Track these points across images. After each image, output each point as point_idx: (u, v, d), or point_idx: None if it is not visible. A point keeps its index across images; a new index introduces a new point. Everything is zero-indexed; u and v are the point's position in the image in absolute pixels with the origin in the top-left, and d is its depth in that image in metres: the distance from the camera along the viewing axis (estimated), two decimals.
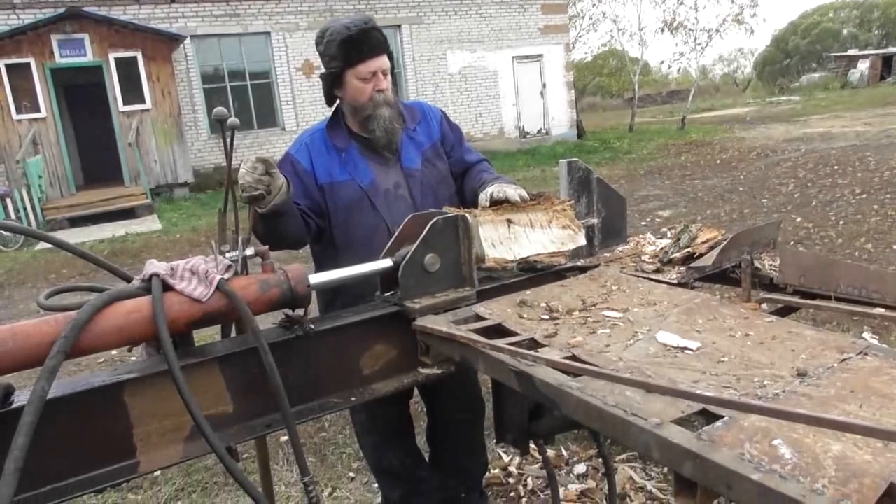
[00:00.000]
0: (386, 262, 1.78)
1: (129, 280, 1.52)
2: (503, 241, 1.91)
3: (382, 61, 2.25)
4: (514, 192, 2.01)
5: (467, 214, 1.84)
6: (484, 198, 2.06)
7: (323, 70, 2.30)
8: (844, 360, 1.35)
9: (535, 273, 1.98)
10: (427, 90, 18.47)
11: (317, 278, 1.65)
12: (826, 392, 1.22)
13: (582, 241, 2.05)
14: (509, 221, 1.95)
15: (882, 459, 1.00)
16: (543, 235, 1.99)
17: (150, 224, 12.58)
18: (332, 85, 2.27)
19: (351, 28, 2.16)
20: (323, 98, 2.39)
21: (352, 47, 2.17)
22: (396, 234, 1.83)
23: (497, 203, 2.00)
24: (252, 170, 1.84)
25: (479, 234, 1.85)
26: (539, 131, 20.65)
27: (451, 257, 1.79)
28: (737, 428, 1.09)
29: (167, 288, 1.43)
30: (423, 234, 1.73)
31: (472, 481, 2.79)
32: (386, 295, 1.80)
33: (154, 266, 1.46)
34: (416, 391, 2.75)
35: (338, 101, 2.35)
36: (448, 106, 18.78)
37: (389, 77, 2.30)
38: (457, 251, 1.80)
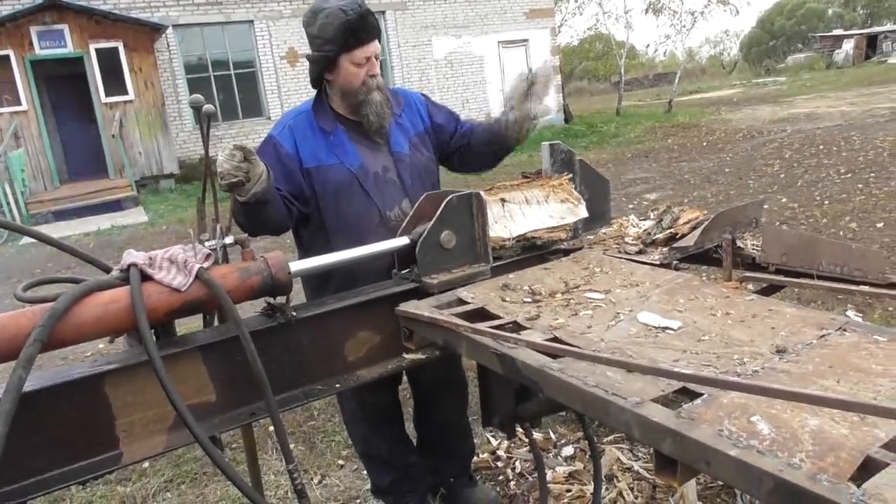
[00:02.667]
0: (403, 240, 1.82)
1: (107, 271, 1.51)
2: (498, 219, 1.93)
3: (376, 46, 2.24)
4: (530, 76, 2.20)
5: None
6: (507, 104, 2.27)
7: (311, 52, 2.24)
8: (823, 336, 1.36)
9: (537, 250, 2.00)
10: (413, 76, 18.37)
11: (297, 265, 1.64)
12: (804, 368, 1.23)
13: (584, 214, 2.07)
14: (503, 200, 1.97)
15: (858, 433, 1.01)
16: (541, 211, 2.00)
17: (135, 216, 12.49)
18: (324, 68, 2.23)
19: (348, 12, 2.12)
20: (309, 85, 2.36)
21: (349, 32, 2.14)
22: (412, 212, 1.88)
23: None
24: (230, 157, 1.82)
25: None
26: None
27: (466, 234, 1.84)
28: (716, 405, 1.10)
29: (146, 278, 1.42)
30: (439, 212, 1.78)
31: (460, 465, 2.81)
32: (403, 272, 1.85)
33: (132, 256, 1.45)
34: (405, 378, 2.75)
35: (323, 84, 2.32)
36: (434, 92, 18.69)
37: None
38: (471, 228, 1.84)
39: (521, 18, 20.20)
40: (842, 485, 0.86)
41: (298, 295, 2.25)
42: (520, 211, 1.97)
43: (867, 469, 0.94)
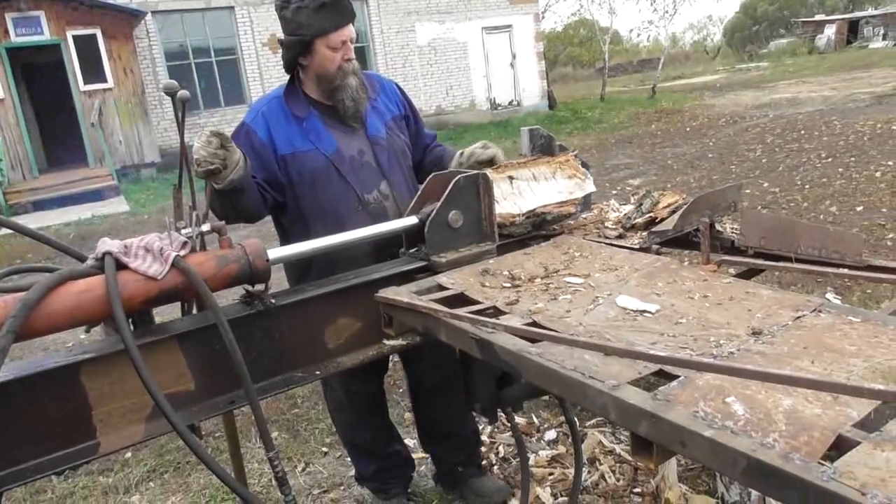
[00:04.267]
0: (411, 220, 1.86)
1: (82, 260, 1.49)
2: (507, 196, 1.97)
3: (351, 30, 2.21)
4: (493, 150, 2.14)
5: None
6: (463, 159, 2.20)
7: (284, 36, 2.22)
8: (798, 317, 1.37)
9: (546, 226, 2.03)
10: (396, 63, 18.26)
11: (276, 253, 1.63)
12: (780, 349, 1.24)
13: (591, 188, 2.11)
14: (511, 178, 2.00)
15: (831, 412, 1.02)
16: (549, 187, 2.03)
17: (116, 206, 12.36)
18: (299, 53, 2.20)
19: None
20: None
21: (325, 16, 2.11)
22: (419, 193, 1.91)
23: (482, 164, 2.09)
24: (207, 144, 1.80)
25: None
26: (510, 103, 20.57)
27: (473, 214, 1.87)
28: (692, 387, 1.11)
29: (121, 266, 1.40)
30: (447, 192, 1.81)
31: (466, 452, 2.76)
32: (411, 251, 1.88)
33: (107, 244, 1.43)
34: (390, 366, 2.74)
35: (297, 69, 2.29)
36: (418, 79, 18.61)
37: None
38: (478, 208, 1.88)
39: (505, 4, 20.11)
40: (814, 463, 0.88)
41: (283, 283, 2.25)
42: (528, 187, 2.00)
43: (839, 448, 0.95)
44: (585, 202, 2.13)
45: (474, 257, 1.84)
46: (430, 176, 1.91)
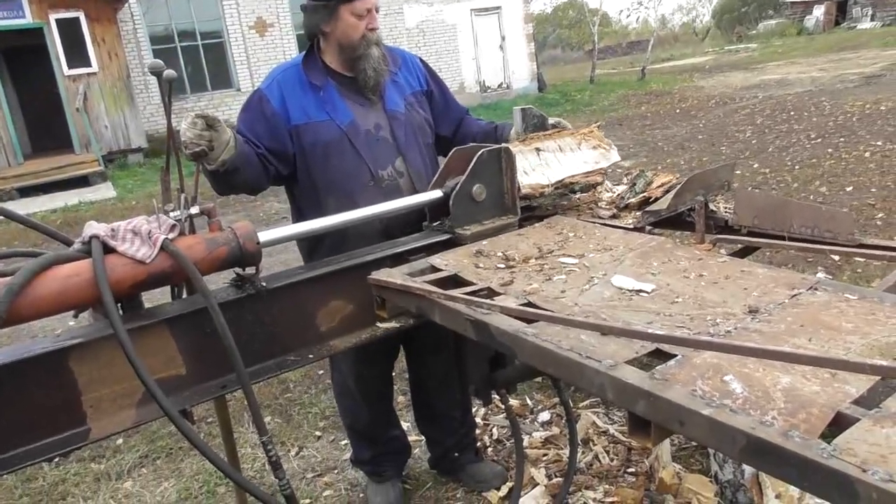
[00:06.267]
0: (436, 193, 1.91)
1: (69, 244, 1.46)
2: (535, 168, 2.00)
3: None
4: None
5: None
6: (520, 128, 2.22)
7: (308, 1, 2.17)
8: (795, 295, 1.36)
9: (571, 195, 2.07)
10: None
11: (267, 235, 1.61)
12: (777, 327, 1.24)
13: (616, 157, 2.15)
14: (538, 150, 2.03)
15: (830, 390, 1.02)
16: (575, 157, 2.07)
17: (104, 192, 12.23)
18: (322, 19, 2.14)
19: None
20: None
21: None
22: (442, 167, 1.96)
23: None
24: (192, 125, 1.77)
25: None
26: (500, 85, 20.47)
27: (496, 187, 1.92)
28: (689, 366, 1.10)
29: (109, 250, 1.38)
30: (471, 166, 1.86)
31: (461, 434, 2.75)
32: (434, 224, 1.93)
33: (94, 228, 1.41)
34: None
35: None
36: None
37: None
38: (500, 182, 1.92)
39: None
40: (813, 441, 0.87)
41: (274, 266, 2.22)
42: (555, 159, 2.03)
43: (838, 425, 0.94)
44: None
45: (497, 230, 1.89)
46: (453, 150, 1.96)
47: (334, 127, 2.15)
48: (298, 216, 2.28)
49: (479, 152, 1.86)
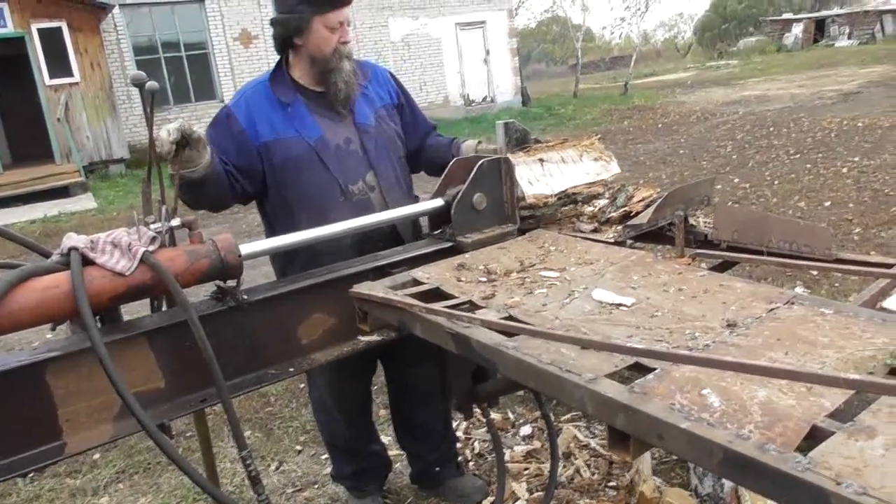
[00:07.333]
0: (437, 202, 1.95)
1: (47, 256, 1.45)
2: (539, 178, 2.05)
3: (348, 13, 2.17)
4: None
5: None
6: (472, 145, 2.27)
7: (278, 14, 2.15)
8: (772, 309, 1.38)
9: (578, 210, 2.10)
10: (369, 58, 18.01)
11: (248, 248, 1.60)
12: (754, 341, 1.25)
13: (616, 169, 2.20)
14: (541, 160, 2.08)
15: (805, 403, 1.03)
16: (577, 169, 2.13)
17: (84, 203, 12.11)
18: (294, 32, 2.13)
19: None
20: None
21: None
22: (443, 176, 1.99)
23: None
24: (167, 134, 1.74)
25: (515, 174, 1.99)
26: (484, 99, 20.59)
27: (496, 196, 1.97)
28: (668, 379, 1.11)
29: (88, 262, 1.37)
30: (472, 175, 1.90)
31: (443, 450, 2.73)
32: (435, 233, 1.97)
33: (73, 239, 1.40)
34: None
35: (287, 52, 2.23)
36: None
37: None
38: (500, 191, 1.98)
39: (479, 0, 20.11)
40: (789, 454, 0.88)
41: (257, 279, 2.20)
42: (558, 170, 2.09)
43: (814, 438, 0.95)
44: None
45: (496, 238, 1.93)
46: (453, 160, 1.99)
47: (302, 143, 2.14)
48: (271, 233, 2.25)
49: (480, 162, 1.91)
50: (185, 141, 1.72)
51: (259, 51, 16.56)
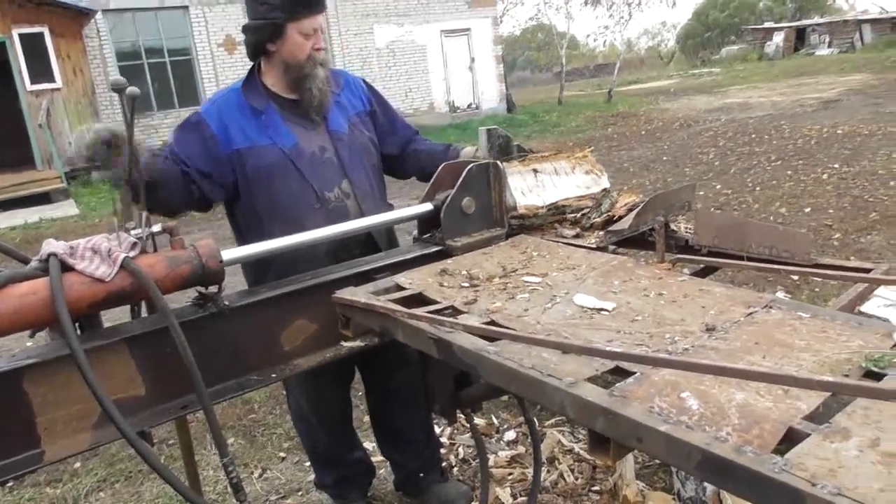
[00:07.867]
0: (426, 206, 1.96)
1: (26, 262, 1.44)
2: (532, 189, 2.06)
3: (322, 20, 2.18)
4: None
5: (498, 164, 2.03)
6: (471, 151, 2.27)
7: (252, 21, 2.14)
8: (750, 313, 1.39)
9: (563, 216, 2.11)
10: (355, 65, 18.15)
11: (230, 253, 1.60)
12: (732, 345, 1.26)
13: (606, 184, 2.22)
14: (535, 171, 2.09)
15: (782, 406, 1.04)
16: (569, 181, 2.15)
17: (66, 209, 12.01)
18: (267, 38, 2.12)
19: None
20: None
21: (299, 0, 2.07)
22: (432, 181, 2.00)
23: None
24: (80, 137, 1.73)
25: (509, 184, 2.01)
26: (469, 106, 20.66)
27: (484, 201, 1.98)
28: (647, 383, 1.12)
29: (67, 268, 1.35)
30: (461, 179, 1.91)
31: (426, 457, 2.71)
32: (424, 237, 1.98)
33: (52, 246, 1.39)
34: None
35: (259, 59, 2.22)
36: (376, 81, 18.34)
37: None
38: (489, 195, 1.99)
39: (464, 7, 20.20)
40: (765, 456, 0.89)
41: (242, 284, 2.19)
42: (550, 181, 2.10)
43: (791, 440, 0.96)
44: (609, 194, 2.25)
45: (485, 242, 1.94)
46: (442, 165, 2.00)
47: (277, 151, 2.13)
48: (242, 242, 2.22)
49: (469, 166, 1.92)
50: (117, 142, 1.72)
51: (243, 57, 16.14)
